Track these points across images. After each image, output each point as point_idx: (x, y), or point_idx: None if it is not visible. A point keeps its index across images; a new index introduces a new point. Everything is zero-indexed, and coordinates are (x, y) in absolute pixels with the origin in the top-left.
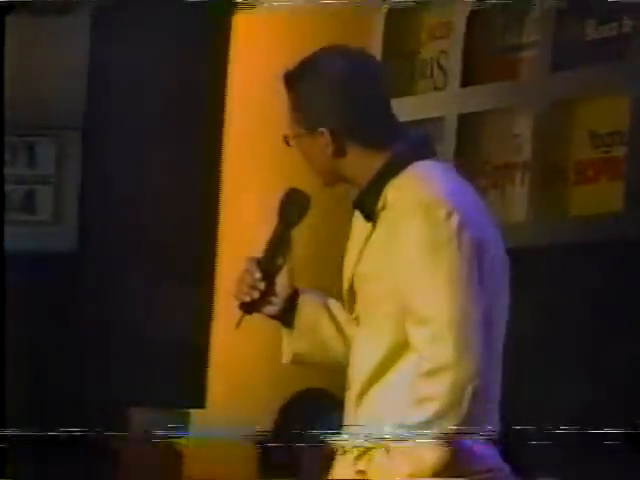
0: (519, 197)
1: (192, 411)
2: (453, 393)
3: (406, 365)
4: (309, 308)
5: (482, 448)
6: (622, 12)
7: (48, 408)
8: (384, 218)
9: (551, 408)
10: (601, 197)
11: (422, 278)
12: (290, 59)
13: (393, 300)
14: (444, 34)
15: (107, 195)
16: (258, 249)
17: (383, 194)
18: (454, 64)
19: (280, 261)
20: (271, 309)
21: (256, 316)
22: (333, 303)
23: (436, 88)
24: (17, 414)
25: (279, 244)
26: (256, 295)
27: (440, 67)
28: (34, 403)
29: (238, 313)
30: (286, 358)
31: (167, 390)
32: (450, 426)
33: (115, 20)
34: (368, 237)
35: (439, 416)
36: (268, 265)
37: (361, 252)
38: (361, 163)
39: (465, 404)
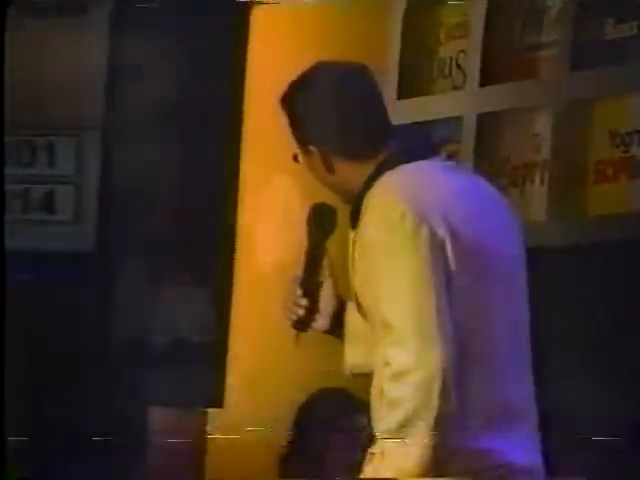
0: (538, 196)
1: (210, 411)
2: (421, 393)
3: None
4: (357, 318)
5: (492, 444)
6: None
7: (68, 409)
8: (361, 226)
9: (581, 411)
10: (621, 196)
11: (382, 282)
12: (307, 57)
13: (374, 307)
14: (463, 33)
15: (127, 195)
16: (277, 249)
17: (364, 202)
18: (473, 63)
19: (319, 276)
20: (320, 324)
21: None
22: None
23: (455, 87)
24: (35, 415)
25: (314, 260)
26: (301, 312)
27: (459, 66)
28: (52, 403)
29: (293, 331)
30: (346, 369)
31: (185, 390)
32: (425, 427)
33: (134, 19)
34: (354, 246)
35: (411, 418)
36: (308, 282)
37: (353, 265)
38: (354, 175)
39: (435, 404)
